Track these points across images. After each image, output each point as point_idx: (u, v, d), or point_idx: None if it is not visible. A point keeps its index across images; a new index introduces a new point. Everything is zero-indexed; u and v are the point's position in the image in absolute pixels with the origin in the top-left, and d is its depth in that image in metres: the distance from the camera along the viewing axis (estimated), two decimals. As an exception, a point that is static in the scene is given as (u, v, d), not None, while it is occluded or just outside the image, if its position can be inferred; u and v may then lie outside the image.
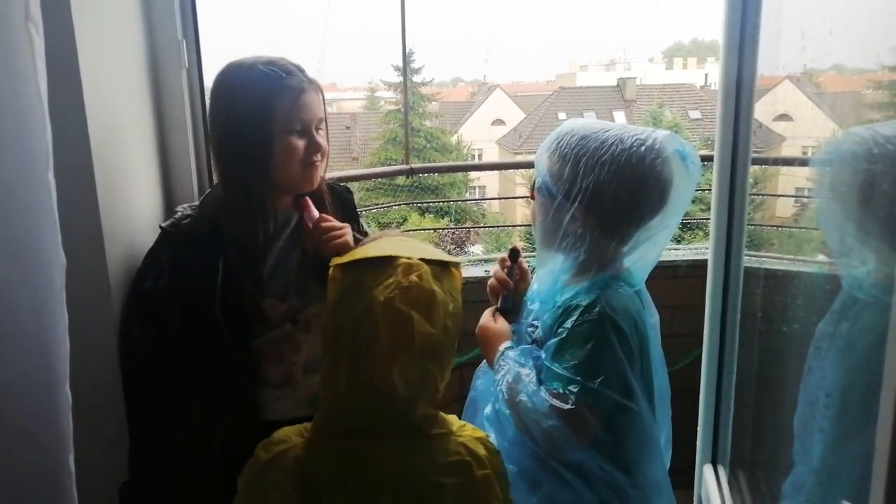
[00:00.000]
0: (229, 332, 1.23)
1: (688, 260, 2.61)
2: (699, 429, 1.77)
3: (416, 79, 23.86)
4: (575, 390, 1.09)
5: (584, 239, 1.18)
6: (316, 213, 1.32)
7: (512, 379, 1.18)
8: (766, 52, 1.58)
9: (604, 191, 1.14)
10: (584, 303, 1.15)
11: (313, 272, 1.30)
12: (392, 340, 0.92)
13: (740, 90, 1.62)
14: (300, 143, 1.26)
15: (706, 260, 1.81)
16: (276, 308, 1.29)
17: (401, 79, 23.46)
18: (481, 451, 1.03)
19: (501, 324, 1.31)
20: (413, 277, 0.93)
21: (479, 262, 2.97)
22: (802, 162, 1.25)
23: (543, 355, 1.18)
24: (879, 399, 0.53)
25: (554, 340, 1.16)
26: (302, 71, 1.27)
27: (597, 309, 1.14)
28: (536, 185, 1.24)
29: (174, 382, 1.25)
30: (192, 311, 1.23)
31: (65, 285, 0.85)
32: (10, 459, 0.84)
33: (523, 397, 1.14)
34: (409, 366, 0.94)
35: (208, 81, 1.56)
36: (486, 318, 1.33)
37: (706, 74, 35.65)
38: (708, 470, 1.74)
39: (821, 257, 1.37)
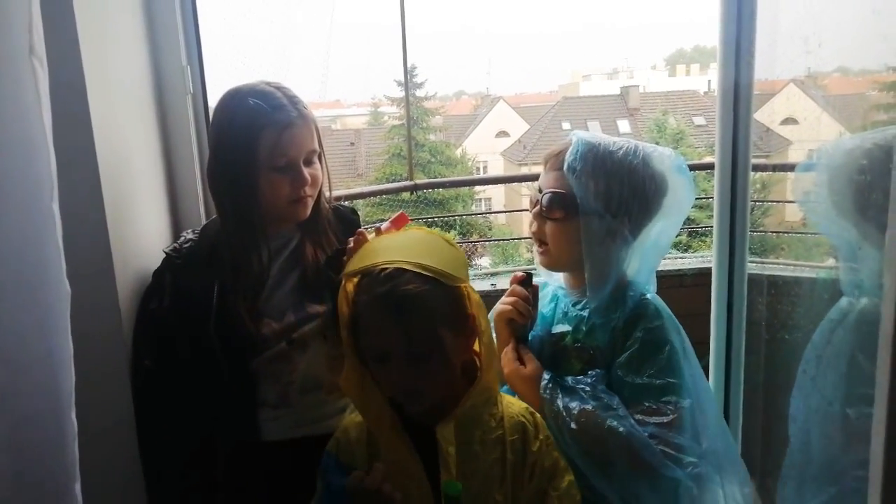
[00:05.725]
0: (225, 353, 1.24)
1: (694, 268, 2.62)
2: (709, 437, 1.76)
3: (419, 93, 23.90)
4: (673, 399, 1.11)
5: (629, 251, 1.21)
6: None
7: (578, 411, 1.13)
8: (767, 56, 1.59)
9: (640, 201, 1.18)
10: (644, 312, 1.18)
11: (311, 293, 1.31)
12: None
13: (738, 96, 1.63)
14: (284, 180, 1.25)
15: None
16: (271, 327, 1.28)
17: (404, 93, 23.54)
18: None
19: (532, 364, 1.23)
20: None
21: (486, 276, 2.98)
22: (804, 167, 1.26)
23: (620, 373, 1.16)
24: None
25: (626, 356, 1.16)
26: (295, 103, 1.25)
27: (656, 315, 1.17)
28: (580, 208, 1.18)
29: (180, 404, 1.26)
30: (190, 332, 1.24)
31: (69, 313, 0.86)
32: (17, 485, 0.84)
33: (612, 422, 1.10)
34: None
35: (213, 106, 1.58)
36: (512, 362, 1.24)
37: (709, 81, 35.44)
38: (719, 478, 1.73)
39: (829, 261, 1.38)
